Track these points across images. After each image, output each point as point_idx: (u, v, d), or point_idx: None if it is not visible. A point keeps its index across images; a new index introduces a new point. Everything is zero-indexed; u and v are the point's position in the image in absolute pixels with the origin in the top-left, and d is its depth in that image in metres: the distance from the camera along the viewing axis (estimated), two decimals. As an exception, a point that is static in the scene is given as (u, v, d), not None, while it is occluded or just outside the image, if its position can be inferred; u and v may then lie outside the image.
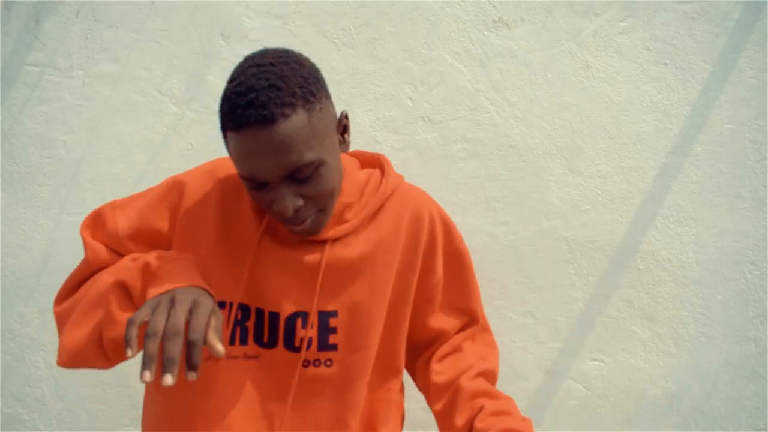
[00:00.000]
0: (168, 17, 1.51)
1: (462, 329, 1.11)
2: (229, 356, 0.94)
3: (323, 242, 0.97)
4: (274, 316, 0.96)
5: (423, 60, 1.48)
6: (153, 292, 0.79)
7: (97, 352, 0.85)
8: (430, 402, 1.07)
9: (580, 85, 1.46)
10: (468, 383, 1.01)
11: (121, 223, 0.95)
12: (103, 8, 1.52)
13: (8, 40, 1.54)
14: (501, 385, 1.39)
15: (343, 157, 1.02)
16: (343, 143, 0.93)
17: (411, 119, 1.49)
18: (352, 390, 0.98)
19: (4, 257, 1.59)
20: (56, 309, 0.95)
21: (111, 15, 1.52)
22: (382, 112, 1.50)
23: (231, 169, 0.99)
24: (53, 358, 1.59)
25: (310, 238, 0.96)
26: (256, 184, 0.84)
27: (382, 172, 1.04)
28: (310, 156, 0.81)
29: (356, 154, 1.11)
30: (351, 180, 0.99)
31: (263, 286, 0.95)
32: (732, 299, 1.43)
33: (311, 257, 0.96)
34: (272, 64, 0.82)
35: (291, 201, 0.83)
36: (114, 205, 0.98)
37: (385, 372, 1.05)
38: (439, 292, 1.08)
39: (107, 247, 0.96)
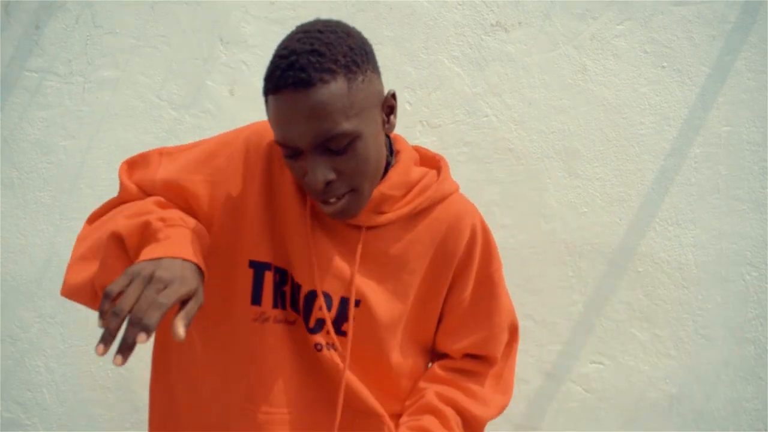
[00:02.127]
0: (167, 23, 1.52)
1: (469, 365, 1.06)
2: (275, 320, 0.94)
3: (358, 229, 0.93)
4: (297, 288, 0.95)
5: (421, 64, 1.49)
6: (144, 254, 0.76)
7: (91, 296, 0.83)
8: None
9: (578, 88, 1.46)
10: (431, 398, 1.00)
11: (162, 173, 0.93)
12: (102, 14, 1.53)
13: (8, 46, 1.55)
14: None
15: (405, 147, 0.98)
16: (388, 124, 0.88)
17: (410, 123, 1.50)
18: (360, 379, 0.97)
19: (5, 262, 1.59)
20: (82, 231, 0.92)
21: (110, 21, 1.53)
22: (380, 116, 1.50)
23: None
24: (54, 362, 1.60)
25: (344, 222, 0.93)
26: (291, 152, 0.81)
27: (438, 175, 0.99)
28: (346, 126, 0.78)
29: (418, 149, 1.04)
30: (401, 173, 0.94)
31: (297, 259, 0.93)
32: (731, 301, 1.43)
33: (346, 243, 0.94)
34: (320, 32, 0.80)
35: (322, 173, 0.80)
36: (161, 152, 0.96)
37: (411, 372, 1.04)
38: (460, 313, 1.03)
39: (141, 189, 0.94)
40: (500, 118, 1.48)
